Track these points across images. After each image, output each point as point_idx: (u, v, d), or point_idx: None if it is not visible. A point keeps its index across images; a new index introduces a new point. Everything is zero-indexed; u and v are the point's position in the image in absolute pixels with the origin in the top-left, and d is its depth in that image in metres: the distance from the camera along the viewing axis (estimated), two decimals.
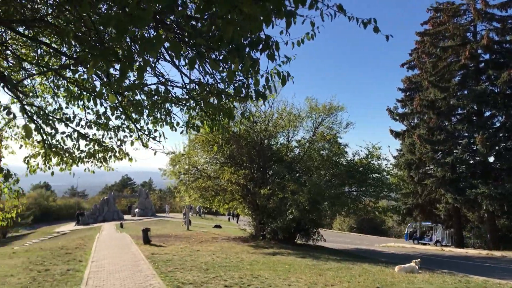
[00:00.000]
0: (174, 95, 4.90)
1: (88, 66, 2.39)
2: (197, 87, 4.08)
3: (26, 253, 17.87)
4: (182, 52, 3.22)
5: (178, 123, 5.35)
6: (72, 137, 5.46)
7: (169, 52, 3.89)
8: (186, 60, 3.62)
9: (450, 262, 20.55)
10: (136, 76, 4.76)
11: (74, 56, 4.15)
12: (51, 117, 5.49)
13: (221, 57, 3.01)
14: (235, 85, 3.57)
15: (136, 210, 52.79)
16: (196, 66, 4.07)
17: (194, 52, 2.70)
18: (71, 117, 5.53)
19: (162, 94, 4.59)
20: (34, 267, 13.47)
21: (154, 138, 5.25)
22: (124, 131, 5.63)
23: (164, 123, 5.40)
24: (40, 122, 5.38)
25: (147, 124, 5.54)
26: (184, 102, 4.96)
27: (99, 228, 35.95)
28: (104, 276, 11.75)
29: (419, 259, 14.66)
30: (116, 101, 4.80)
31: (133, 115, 5.36)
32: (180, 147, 27.43)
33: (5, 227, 38.14)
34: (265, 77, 3.56)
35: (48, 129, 5.39)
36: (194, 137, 25.03)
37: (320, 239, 24.36)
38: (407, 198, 35.92)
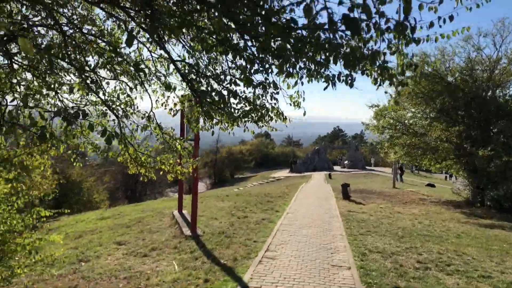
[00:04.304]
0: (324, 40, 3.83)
1: None
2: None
3: (236, 197, 19.78)
4: None
5: (334, 76, 4.30)
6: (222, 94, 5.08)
7: None
8: None
9: None
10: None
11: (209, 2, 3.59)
12: (203, 75, 5.21)
13: None
14: None
15: (346, 162, 53.30)
16: None
17: None
18: (219, 74, 5.13)
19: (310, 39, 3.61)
20: (236, 213, 14.65)
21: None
22: (270, 87, 4.92)
23: (319, 76, 4.42)
24: (192, 80, 5.16)
25: (301, 78, 4.65)
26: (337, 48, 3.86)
27: (309, 177, 37.63)
28: (292, 230, 11.79)
29: None
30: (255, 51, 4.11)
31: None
32: (385, 100, 25.63)
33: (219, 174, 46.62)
34: None
35: (202, 87, 5.13)
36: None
37: None
38: None
